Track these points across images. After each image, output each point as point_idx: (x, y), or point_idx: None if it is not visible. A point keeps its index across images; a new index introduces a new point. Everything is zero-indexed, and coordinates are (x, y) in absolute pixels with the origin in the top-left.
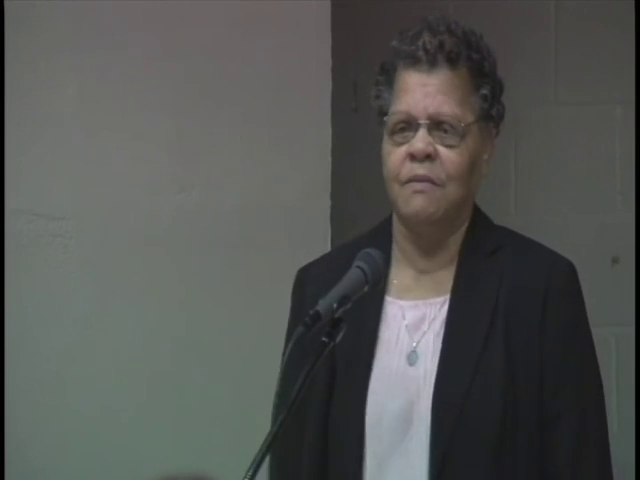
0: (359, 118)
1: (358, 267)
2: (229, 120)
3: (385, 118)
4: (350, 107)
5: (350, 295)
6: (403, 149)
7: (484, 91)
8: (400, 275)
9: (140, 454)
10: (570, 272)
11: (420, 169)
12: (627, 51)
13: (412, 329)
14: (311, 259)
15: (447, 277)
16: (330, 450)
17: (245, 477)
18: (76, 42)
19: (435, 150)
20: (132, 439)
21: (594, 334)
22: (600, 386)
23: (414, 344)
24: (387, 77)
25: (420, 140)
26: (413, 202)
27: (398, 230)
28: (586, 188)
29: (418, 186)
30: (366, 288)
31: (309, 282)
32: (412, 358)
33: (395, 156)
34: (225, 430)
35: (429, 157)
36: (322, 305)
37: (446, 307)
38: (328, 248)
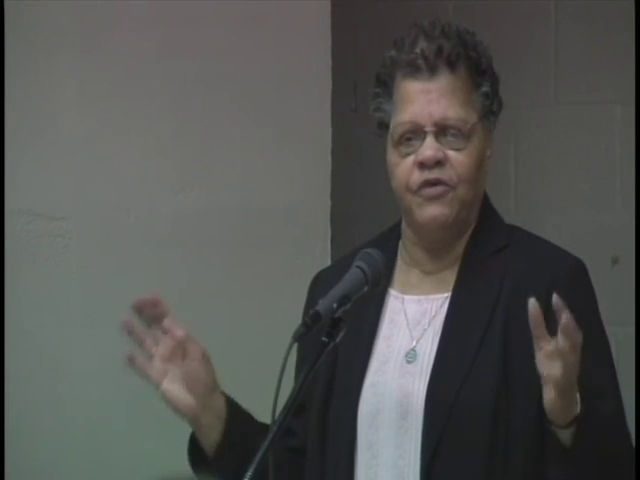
0: (359, 118)
1: (358, 267)
2: (229, 120)
3: (390, 130)
4: (350, 107)
5: (350, 295)
6: (410, 159)
7: (485, 88)
8: (405, 274)
9: (140, 454)
10: (575, 269)
11: (431, 174)
12: (627, 51)
13: (412, 325)
14: (311, 259)
15: (451, 276)
16: (327, 441)
17: (245, 477)
18: (76, 42)
19: (445, 155)
20: (132, 439)
21: None
22: (612, 377)
23: (414, 342)
24: (385, 88)
25: (428, 147)
26: (429, 209)
27: (407, 236)
28: (586, 188)
29: (432, 192)
30: (366, 288)
31: (317, 285)
32: (411, 356)
33: (403, 167)
34: None
35: (439, 163)
36: (322, 305)
37: (447, 305)
38: (328, 248)
